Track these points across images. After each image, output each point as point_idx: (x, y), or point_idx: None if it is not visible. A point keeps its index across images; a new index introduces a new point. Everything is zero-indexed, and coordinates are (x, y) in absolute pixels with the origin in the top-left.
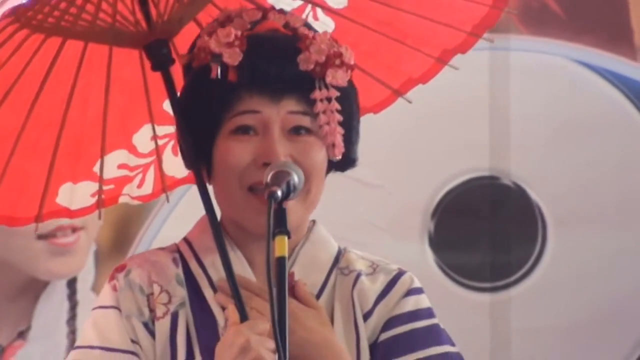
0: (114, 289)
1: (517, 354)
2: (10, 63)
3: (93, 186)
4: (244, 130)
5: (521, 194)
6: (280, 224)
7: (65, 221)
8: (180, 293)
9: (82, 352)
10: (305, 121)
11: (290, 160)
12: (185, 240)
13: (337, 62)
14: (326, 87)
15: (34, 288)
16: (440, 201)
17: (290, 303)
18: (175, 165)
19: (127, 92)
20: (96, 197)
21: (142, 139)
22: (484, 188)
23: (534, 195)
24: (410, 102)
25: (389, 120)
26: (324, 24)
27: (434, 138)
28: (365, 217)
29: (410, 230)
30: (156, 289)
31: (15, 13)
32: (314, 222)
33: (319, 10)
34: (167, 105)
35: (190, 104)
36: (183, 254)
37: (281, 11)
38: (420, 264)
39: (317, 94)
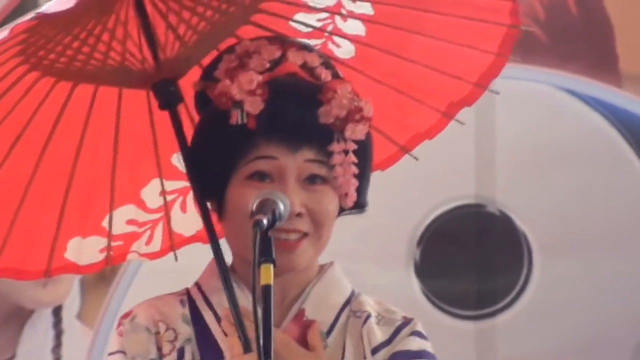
0: (120, 334)
1: None
2: (20, 107)
3: (101, 241)
4: (260, 176)
5: (507, 221)
6: (266, 253)
7: None
8: (186, 330)
9: None
10: (321, 171)
11: (303, 210)
12: (196, 283)
13: (357, 117)
14: (344, 140)
15: (19, 316)
16: (425, 229)
17: (290, 341)
18: (183, 223)
19: (136, 144)
20: (105, 253)
21: (151, 193)
22: (469, 216)
23: (519, 222)
24: (417, 159)
25: None
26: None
27: (419, 166)
28: (351, 246)
29: (395, 259)
30: (162, 327)
31: (25, 53)
32: (331, 263)
33: None
34: (175, 160)
35: (206, 145)
36: (192, 295)
37: (299, 47)
38: (406, 291)
39: (335, 147)
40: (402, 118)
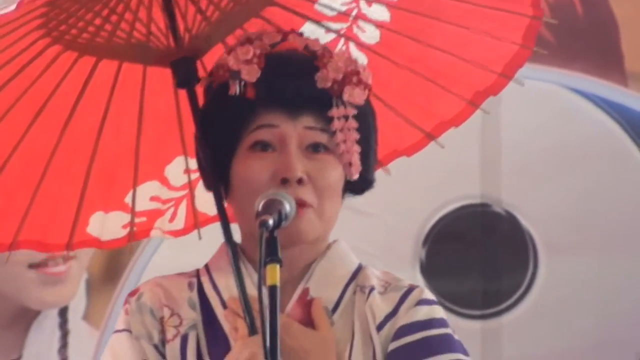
0: (126, 312)
1: None
2: (41, 80)
3: (124, 217)
4: (262, 146)
5: (512, 221)
6: (272, 253)
7: None
8: (191, 315)
9: None
10: (323, 138)
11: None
12: (206, 265)
13: (355, 80)
14: (343, 104)
15: (25, 317)
16: (431, 229)
17: (292, 324)
18: (207, 202)
19: (160, 122)
20: (128, 229)
21: (175, 171)
22: (475, 215)
23: (525, 222)
24: (442, 147)
25: None
26: (356, 58)
27: (425, 165)
28: (357, 244)
29: (401, 258)
30: (167, 312)
31: (46, 26)
32: (336, 240)
33: (351, 45)
34: (193, 120)
35: (209, 122)
36: (200, 278)
37: (301, 34)
38: None
39: (335, 112)
40: (427, 105)
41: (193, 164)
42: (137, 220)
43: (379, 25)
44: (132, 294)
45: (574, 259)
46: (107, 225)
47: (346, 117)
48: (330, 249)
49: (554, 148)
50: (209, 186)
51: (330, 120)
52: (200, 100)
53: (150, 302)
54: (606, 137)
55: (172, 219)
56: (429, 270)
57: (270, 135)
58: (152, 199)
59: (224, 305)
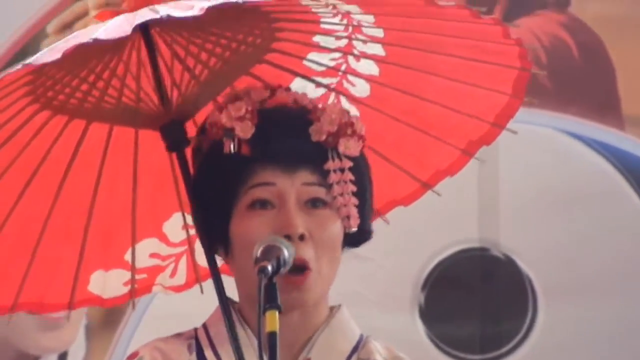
0: None
1: None
2: (32, 145)
3: (125, 274)
4: (261, 204)
5: (511, 265)
6: (271, 299)
7: None
8: None
9: None
10: (321, 192)
11: (306, 232)
12: (204, 326)
13: (349, 131)
14: (339, 157)
15: None
16: (430, 273)
17: None
18: None
19: (156, 179)
20: (129, 286)
21: (173, 227)
22: (473, 259)
23: (523, 266)
24: (439, 195)
25: None
26: (348, 110)
27: (423, 210)
28: (356, 289)
29: (400, 302)
30: None
31: (34, 93)
32: (339, 306)
33: (342, 99)
34: (184, 183)
35: (204, 182)
36: (199, 340)
37: (288, 89)
38: (411, 335)
39: (331, 164)
40: (422, 155)
41: (190, 219)
42: (137, 277)
43: (368, 79)
44: (131, 357)
45: (573, 302)
46: (108, 283)
47: (342, 170)
48: (334, 317)
49: (551, 191)
50: (204, 244)
51: (326, 173)
52: (189, 154)
53: None
54: (603, 180)
55: (173, 275)
56: (428, 314)
57: (268, 193)
58: (152, 255)
59: None
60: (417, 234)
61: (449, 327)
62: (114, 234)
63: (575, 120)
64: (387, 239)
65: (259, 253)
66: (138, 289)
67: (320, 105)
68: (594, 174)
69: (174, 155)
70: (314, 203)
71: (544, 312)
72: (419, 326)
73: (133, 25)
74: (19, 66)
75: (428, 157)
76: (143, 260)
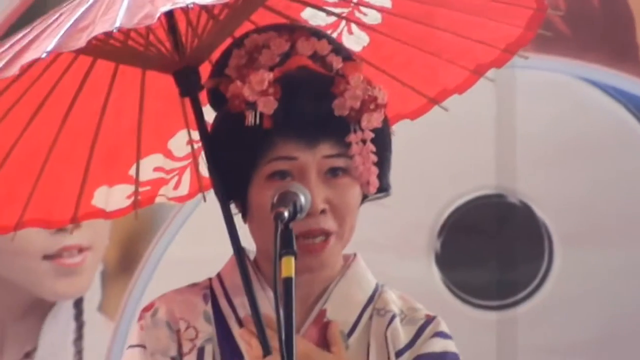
0: (141, 328)
1: None
2: (42, 79)
3: (129, 188)
4: (281, 175)
5: (527, 212)
6: (287, 245)
7: (71, 241)
8: (207, 329)
9: None
10: (341, 162)
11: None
12: (218, 276)
13: (372, 106)
14: (361, 130)
15: (40, 308)
16: (446, 219)
17: (308, 347)
18: None
19: (162, 100)
20: (132, 198)
21: (178, 143)
22: (490, 206)
23: (540, 213)
24: (446, 109)
25: (395, 139)
26: (358, 38)
27: (440, 156)
28: (372, 236)
29: (416, 249)
30: (182, 325)
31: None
32: (354, 256)
33: (353, 26)
34: (198, 131)
35: (224, 147)
36: (214, 290)
37: (308, 35)
38: (427, 282)
39: (353, 137)
40: (431, 75)
41: (196, 135)
42: (141, 189)
43: (380, 9)
44: (146, 309)
45: (589, 250)
46: (111, 197)
47: (364, 141)
48: (350, 268)
49: (568, 139)
50: (220, 199)
51: (347, 144)
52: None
53: (166, 315)
54: (621, 127)
55: (176, 187)
56: (444, 261)
57: (289, 166)
58: (156, 169)
59: (240, 322)
60: (434, 181)
61: (465, 273)
62: (119, 152)
63: (593, 67)
64: (403, 186)
65: (275, 199)
66: (141, 200)
67: (344, 75)
68: (611, 121)
69: None
70: (334, 172)
71: (560, 258)
72: (435, 273)
73: (158, 13)
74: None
75: (437, 76)
76: (147, 174)
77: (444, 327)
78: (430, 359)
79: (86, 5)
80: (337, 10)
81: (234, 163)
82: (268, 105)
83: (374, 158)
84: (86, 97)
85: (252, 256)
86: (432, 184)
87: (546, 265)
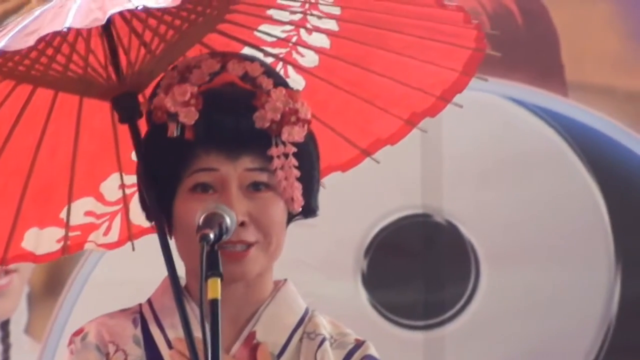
0: (71, 352)
1: None
2: None
3: (59, 232)
4: (203, 188)
5: (454, 231)
6: (213, 267)
7: None
8: (137, 352)
9: None
10: (263, 177)
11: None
12: (148, 301)
13: (293, 119)
14: (283, 143)
15: None
16: (372, 239)
17: None
18: (142, 215)
19: (97, 141)
20: (62, 242)
21: (110, 187)
22: (416, 226)
23: (466, 232)
24: (378, 162)
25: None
26: (294, 81)
27: (365, 176)
28: (298, 256)
29: (343, 269)
30: (112, 348)
31: None
32: (285, 281)
33: (290, 68)
34: (134, 156)
35: (149, 160)
36: (144, 314)
37: (240, 59)
38: (354, 302)
39: (274, 151)
40: (364, 124)
41: (128, 179)
42: (71, 234)
43: (318, 51)
44: (76, 333)
45: (515, 269)
46: (41, 239)
47: (286, 155)
48: (279, 291)
49: (494, 157)
50: (150, 219)
51: (270, 158)
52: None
53: (95, 339)
54: (546, 146)
55: (106, 233)
56: (370, 281)
57: (211, 178)
58: (87, 213)
59: (169, 344)
60: (360, 200)
61: (392, 293)
62: (51, 193)
63: (518, 86)
64: (329, 206)
65: (200, 221)
66: (71, 245)
67: (267, 89)
68: (537, 140)
69: (115, 117)
70: (257, 186)
71: (486, 277)
72: (362, 293)
73: (107, 15)
74: None
75: (370, 126)
76: (78, 218)
77: (372, 351)
78: None
79: (32, 16)
80: (275, 51)
81: (160, 177)
82: (189, 116)
83: (297, 173)
84: (22, 132)
85: (182, 282)
86: (358, 204)
87: (473, 284)
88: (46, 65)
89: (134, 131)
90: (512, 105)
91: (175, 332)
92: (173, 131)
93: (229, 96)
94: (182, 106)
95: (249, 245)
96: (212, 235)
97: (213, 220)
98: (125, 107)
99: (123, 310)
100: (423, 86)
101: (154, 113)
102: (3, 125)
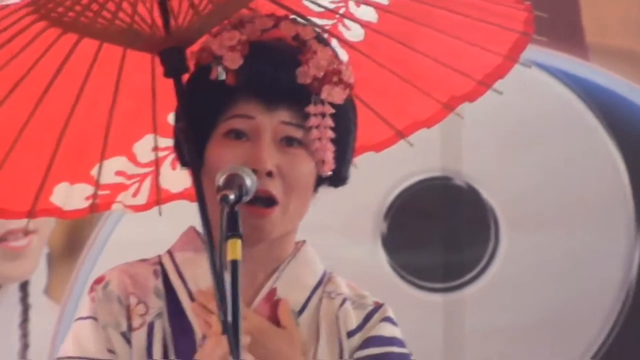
0: (93, 300)
1: (471, 355)
2: (23, 54)
3: (89, 189)
4: (237, 135)
5: (473, 194)
6: (233, 228)
7: (16, 224)
8: (158, 304)
9: None
10: (298, 133)
11: (274, 169)
12: (169, 252)
13: (335, 79)
14: (322, 102)
15: None
16: (392, 202)
17: (261, 321)
18: (172, 179)
19: (134, 99)
20: (90, 200)
21: (143, 148)
22: (436, 189)
23: (486, 195)
24: (411, 144)
25: None
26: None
27: None
28: (318, 219)
29: (363, 232)
30: (133, 300)
31: (36, 3)
32: (303, 242)
33: (334, 42)
34: (171, 119)
35: (190, 103)
36: (165, 266)
37: (294, 21)
38: (373, 265)
39: (312, 109)
40: (403, 105)
41: (162, 142)
42: (100, 192)
43: (364, 25)
44: (97, 281)
45: (535, 232)
46: (70, 195)
47: (323, 115)
48: (300, 251)
49: (514, 121)
50: (184, 163)
51: (307, 116)
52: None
53: (117, 289)
54: (567, 109)
55: (135, 194)
56: (390, 243)
57: (245, 125)
58: (118, 173)
59: (191, 296)
60: (380, 163)
61: (412, 255)
62: (85, 149)
63: (539, 49)
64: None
65: (221, 182)
66: (99, 204)
67: (314, 48)
68: (558, 104)
69: (156, 75)
70: (290, 141)
71: (506, 241)
72: (382, 255)
73: None
74: None
75: (408, 107)
76: (108, 177)
77: (391, 314)
78: (379, 342)
79: None
80: (321, 22)
81: (197, 118)
82: (234, 61)
83: (331, 134)
84: (62, 83)
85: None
86: (378, 167)
87: (492, 247)
88: (96, 12)
89: (179, 86)
90: (533, 69)
91: (197, 284)
92: (216, 74)
93: (276, 48)
94: (228, 50)
95: (274, 203)
96: (232, 197)
97: (233, 181)
98: (172, 61)
99: (143, 261)
100: (465, 69)
101: (200, 54)
102: (44, 75)
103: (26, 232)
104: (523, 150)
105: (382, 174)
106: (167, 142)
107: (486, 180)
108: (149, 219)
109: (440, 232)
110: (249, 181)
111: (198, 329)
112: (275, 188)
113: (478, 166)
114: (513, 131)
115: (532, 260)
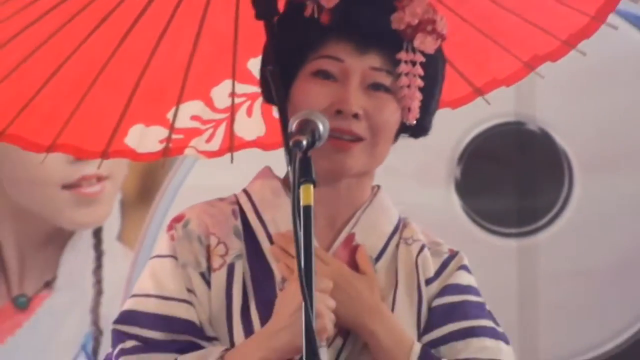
0: (172, 238)
1: (545, 299)
2: None
3: (163, 132)
4: (324, 75)
5: (547, 139)
6: (305, 173)
7: (90, 171)
8: (238, 245)
9: (138, 300)
10: (386, 80)
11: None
12: (245, 192)
13: (429, 28)
14: (413, 50)
15: (60, 238)
16: (466, 147)
17: (342, 266)
18: (246, 127)
19: (216, 44)
20: (164, 144)
21: (220, 93)
22: (509, 133)
23: (559, 140)
24: (489, 103)
25: None
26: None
27: None
28: (392, 164)
29: (436, 177)
30: (213, 240)
31: None
32: (378, 187)
33: None
34: (251, 65)
35: (281, 38)
36: (242, 206)
37: None
38: (447, 210)
39: (403, 55)
40: (483, 62)
41: (239, 88)
42: (174, 136)
43: None
44: (177, 219)
45: (608, 176)
46: (144, 138)
47: (413, 63)
48: (375, 197)
49: (587, 65)
50: (269, 99)
51: (397, 62)
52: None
53: (197, 228)
54: None
55: (209, 140)
56: (464, 188)
57: (334, 67)
58: (193, 118)
59: (270, 239)
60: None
61: (485, 201)
62: (162, 91)
63: None
64: None
65: (293, 127)
66: (172, 148)
67: None
68: (631, 49)
69: (239, 21)
70: (377, 87)
71: (579, 185)
72: (455, 200)
73: None
74: None
75: (488, 64)
76: (184, 121)
77: (466, 262)
78: (456, 290)
79: None
80: None
81: (287, 53)
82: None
83: (420, 83)
84: (146, 24)
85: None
86: (451, 112)
87: (566, 192)
88: None
89: (270, 29)
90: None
91: (276, 227)
92: (311, 11)
93: None
94: None
95: (357, 139)
96: (304, 142)
97: (306, 126)
98: (264, 3)
99: (221, 199)
100: (550, 28)
101: None
102: (128, 15)
103: (99, 178)
104: (596, 94)
105: (456, 119)
106: (245, 88)
107: (559, 125)
108: (221, 164)
109: (513, 177)
110: (322, 127)
111: (277, 272)
112: (359, 129)
113: (551, 111)
114: (586, 76)
115: (606, 205)
